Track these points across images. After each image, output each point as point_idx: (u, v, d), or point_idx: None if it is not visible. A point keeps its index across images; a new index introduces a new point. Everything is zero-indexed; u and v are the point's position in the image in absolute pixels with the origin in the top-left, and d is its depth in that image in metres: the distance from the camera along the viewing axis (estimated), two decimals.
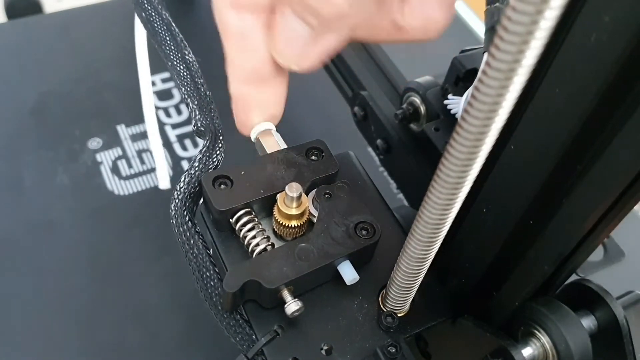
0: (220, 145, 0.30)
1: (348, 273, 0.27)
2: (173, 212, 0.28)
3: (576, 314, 0.25)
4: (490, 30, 0.30)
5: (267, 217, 0.29)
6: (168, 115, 0.57)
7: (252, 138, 0.30)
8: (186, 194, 0.28)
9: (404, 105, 0.38)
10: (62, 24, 0.63)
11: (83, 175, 0.51)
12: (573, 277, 0.27)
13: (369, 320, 0.28)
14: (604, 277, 0.31)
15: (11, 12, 0.76)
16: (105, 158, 0.52)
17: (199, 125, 0.31)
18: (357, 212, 0.28)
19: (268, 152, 0.29)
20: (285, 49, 0.26)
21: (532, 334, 0.26)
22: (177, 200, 0.28)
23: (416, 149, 0.39)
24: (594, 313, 0.26)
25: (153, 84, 0.58)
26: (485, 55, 0.28)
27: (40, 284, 0.44)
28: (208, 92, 0.33)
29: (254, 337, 0.27)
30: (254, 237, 0.27)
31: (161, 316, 0.44)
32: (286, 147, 0.30)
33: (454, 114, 0.35)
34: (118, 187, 0.51)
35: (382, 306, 0.28)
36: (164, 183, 0.41)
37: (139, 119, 0.55)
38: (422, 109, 0.37)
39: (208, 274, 0.28)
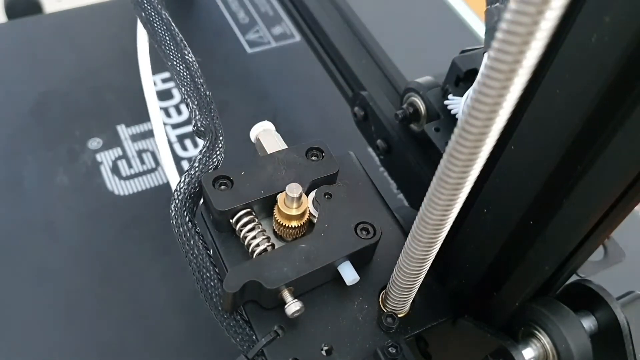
0: (220, 145, 0.30)
1: (348, 273, 0.27)
2: (173, 212, 0.28)
3: (576, 314, 0.25)
4: (491, 30, 0.30)
5: (267, 218, 0.29)
6: (168, 115, 0.57)
7: (252, 138, 0.30)
8: (186, 195, 0.28)
9: (404, 106, 0.38)
10: (62, 24, 0.63)
11: (83, 175, 0.51)
12: (573, 278, 0.27)
13: (369, 321, 0.28)
14: (604, 277, 0.30)
15: (11, 12, 0.76)
16: (105, 158, 0.52)
17: (199, 125, 0.31)
18: (358, 212, 0.28)
19: (268, 152, 0.29)
20: None
21: (532, 335, 0.26)
22: (177, 201, 0.28)
23: (416, 149, 0.39)
24: (595, 313, 0.26)
25: (153, 84, 0.58)
26: (486, 56, 0.28)
27: (40, 284, 0.44)
28: (208, 92, 0.33)
29: (254, 337, 0.27)
30: (254, 237, 0.27)
31: (161, 316, 0.43)
32: (286, 147, 0.30)
33: (454, 114, 0.35)
34: (118, 187, 0.51)
35: (382, 307, 0.28)
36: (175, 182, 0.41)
37: (139, 119, 0.55)
38: (423, 109, 0.37)
39: (208, 274, 0.28)
